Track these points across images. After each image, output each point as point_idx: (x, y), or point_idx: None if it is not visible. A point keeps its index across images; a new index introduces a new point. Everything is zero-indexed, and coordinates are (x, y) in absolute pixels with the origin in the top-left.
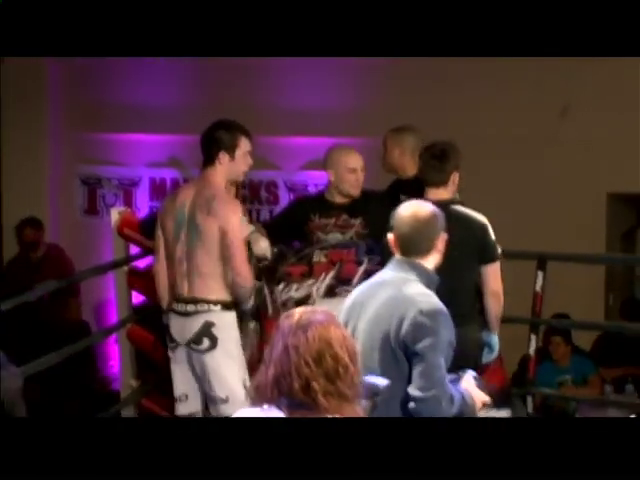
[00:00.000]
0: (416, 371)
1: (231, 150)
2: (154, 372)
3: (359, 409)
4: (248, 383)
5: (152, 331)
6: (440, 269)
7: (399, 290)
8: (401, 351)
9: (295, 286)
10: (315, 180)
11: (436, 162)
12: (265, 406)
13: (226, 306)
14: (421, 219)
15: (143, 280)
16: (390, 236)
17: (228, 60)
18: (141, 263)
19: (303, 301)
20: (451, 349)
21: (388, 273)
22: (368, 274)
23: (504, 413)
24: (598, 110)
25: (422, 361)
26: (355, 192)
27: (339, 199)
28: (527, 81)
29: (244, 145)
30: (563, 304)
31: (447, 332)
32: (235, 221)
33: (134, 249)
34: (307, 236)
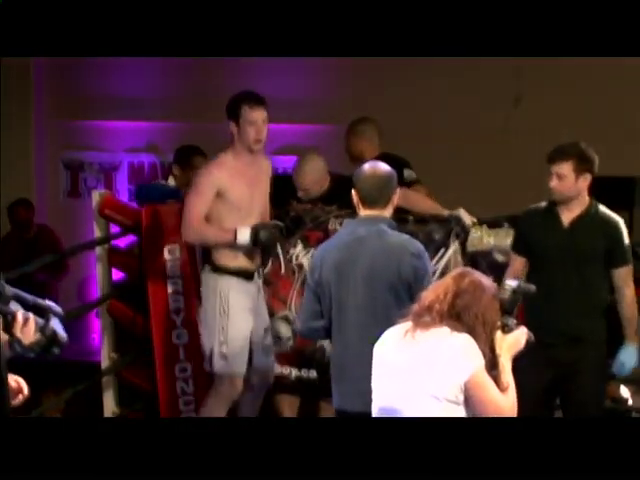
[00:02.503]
0: None
1: (235, 119)
2: (133, 345)
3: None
4: (223, 348)
5: (131, 306)
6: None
7: (383, 241)
8: (404, 292)
9: (312, 250)
10: (284, 164)
11: None
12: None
13: (213, 268)
14: (381, 175)
15: (123, 258)
16: (353, 193)
17: None
18: (121, 242)
19: None
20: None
21: (361, 229)
22: None
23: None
24: (546, 100)
25: None
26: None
27: None
28: (480, 72)
29: (247, 114)
30: None
31: (430, 264)
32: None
33: (114, 229)
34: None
